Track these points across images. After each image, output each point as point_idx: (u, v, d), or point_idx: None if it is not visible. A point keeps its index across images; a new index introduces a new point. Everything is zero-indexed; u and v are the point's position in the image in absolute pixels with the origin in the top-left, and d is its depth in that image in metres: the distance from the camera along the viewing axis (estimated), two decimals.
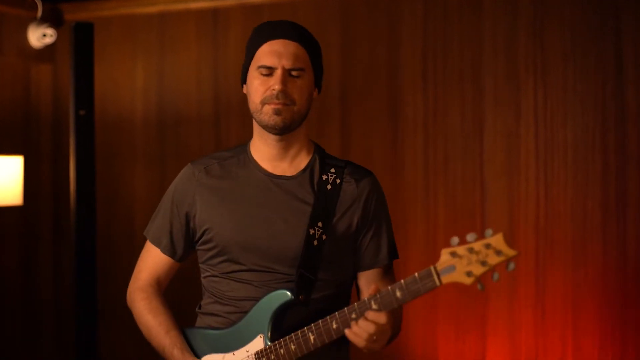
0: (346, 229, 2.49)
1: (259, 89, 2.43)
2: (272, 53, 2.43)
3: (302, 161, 2.53)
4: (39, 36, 4.90)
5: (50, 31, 4.86)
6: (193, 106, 5.10)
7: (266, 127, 2.46)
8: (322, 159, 2.55)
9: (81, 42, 4.47)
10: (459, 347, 4.60)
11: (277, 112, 2.42)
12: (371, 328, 2.26)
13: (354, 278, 2.59)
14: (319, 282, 2.45)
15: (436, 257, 2.12)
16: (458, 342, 4.61)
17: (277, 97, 2.41)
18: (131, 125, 5.15)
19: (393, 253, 2.58)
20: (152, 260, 2.63)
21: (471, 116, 4.64)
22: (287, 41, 2.44)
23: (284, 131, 2.45)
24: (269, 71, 2.43)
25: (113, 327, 5.02)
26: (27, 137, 4.97)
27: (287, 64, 2.42)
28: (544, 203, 4.51)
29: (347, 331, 2.29)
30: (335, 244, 2.47)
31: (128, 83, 5.15)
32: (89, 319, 4.35)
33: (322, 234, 2.43)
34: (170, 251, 2.60)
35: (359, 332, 2.28)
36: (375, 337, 2.28)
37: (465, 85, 4.65)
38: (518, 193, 4.55)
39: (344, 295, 2.55)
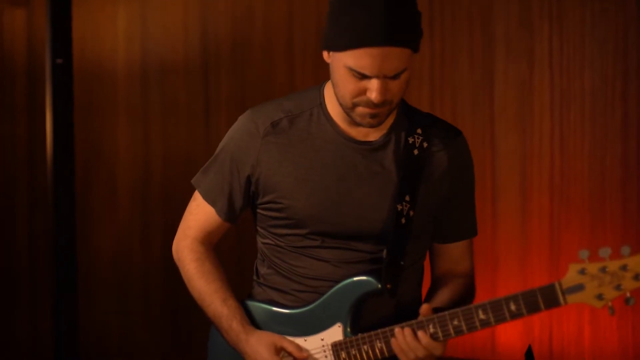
0: (434, 201, 2.31)
1: (351, 89, 2.14)
2: (369, 62, 2.09)
3: (387, 122, 2.26)
4: None
5: None
6: (180, 55, 5.00)
7: (358, 124, 2.21)
8: (406, 115, 2.30)
9: None
10: None
11: (372, 116, 2.16)
12: (420, 352, 2.16)
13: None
14: (406, 267, 2.28)
15: None
16: None
17: (374, 105, 2.13)
18: (112, 75, 5.04)
19: (476, 228, 2.43)
20: (204, 218, 2.40)
21: (481, 65, 4.59)
22: (390, 48, 2.09)
23: (376, 127, 2.23)
24: (364, 76, 2.12)
25: (93, 296, 4.95)
26: (0, 89, 4.87)
27: (389, 72, 2.11)
28: (559, 159, 4.47)
29: (393, 341, 2.18)
30: (423, 219, 2.29)
31: (109, 29, 5.03)
32: (68, 288, 4.27)
33: (409, 209, 2.24)
34: (226, 214, 2.37)
35: (407, 349, 2.17)
36: None
37: (474, 32, 4.60)
38: (531, 148, 4.51)
39: (421, 279, 2.41)
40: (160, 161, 4.88)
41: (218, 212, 2.37)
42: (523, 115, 4.50)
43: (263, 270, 2.40)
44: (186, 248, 2.41)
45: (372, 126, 2.19)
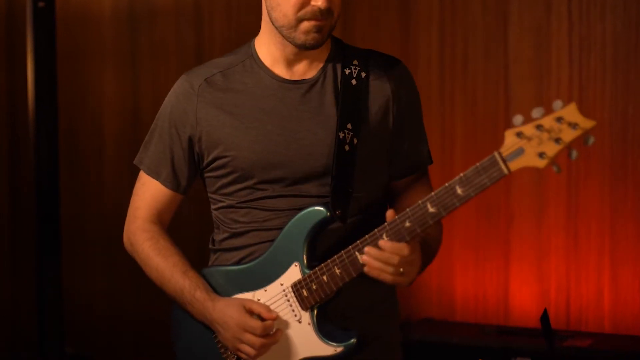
0: (380, 130, 2.37)
1: (295, 2, 2.28)
2: None
3: (322, 57, 2.39)
4: None
5: None
6: None
7: (301, 45, 2.31)
8: (341, 49, 2.42)
9: None
10: (479, 276, 4.56)
11: (318, 30, 2.29)
12: (394, 259, 2.17)
13: (389, 195, 2.48)
14: (355, 194, 2.34)
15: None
16: (478, 271, 4.56)
17: (320, 14, 2.28)
18: (98, 18, 5.01)
19: (430, 156, 2.49)
20: (150, 195, 2.48)
21: (494, 8, 4.55)
22: None
23: (319, 47, 2.33)
24: None
25: (78, 253, 4.95)
26: None
27: None
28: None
29: (362, 261, 2.19)
30: (369, 148, 2.36)
31: None
32: (51, 244, 4.23)
33: (352, 137, 2.32)
34: (172, 183, 2.45)
35: (381, 266, 2.18)
36: (401, 270, 2.18)
37: None
38: (548, 98, 4.44)
39: (380, 214, 2.33)
40: (149, 110, 4.75)
41: (163, 182, 2.45)
42: (539, 63, 4.45)
43: (219, 237, 2.47)
44: (138, 229, 2.47)
45: (316, 42, 2.28)
